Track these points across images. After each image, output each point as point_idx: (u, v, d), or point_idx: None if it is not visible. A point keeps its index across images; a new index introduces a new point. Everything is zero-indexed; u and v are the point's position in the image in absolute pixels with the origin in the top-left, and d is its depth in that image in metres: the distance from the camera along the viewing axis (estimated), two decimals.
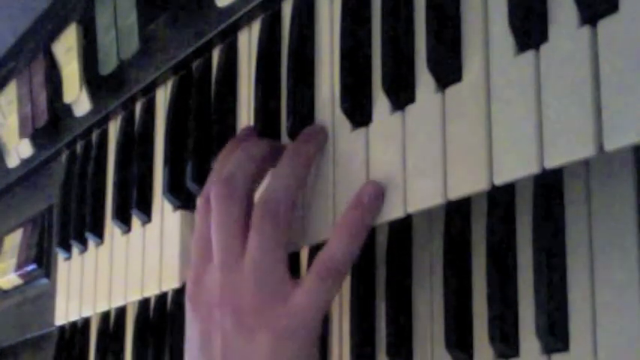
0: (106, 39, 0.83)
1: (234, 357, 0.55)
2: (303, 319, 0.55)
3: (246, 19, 0.69)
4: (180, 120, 0.76)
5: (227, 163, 0.61)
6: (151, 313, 0.80)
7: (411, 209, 0.53)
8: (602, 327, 0.46)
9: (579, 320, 0.47)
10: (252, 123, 0.67)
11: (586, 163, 0.47)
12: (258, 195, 0.59)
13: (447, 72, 0.51)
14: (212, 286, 0.58)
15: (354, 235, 0.55)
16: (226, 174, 0.59)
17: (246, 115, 0.69)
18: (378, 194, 0.54)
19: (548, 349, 0.48)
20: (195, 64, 0.76)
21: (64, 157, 0.98)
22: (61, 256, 0.96)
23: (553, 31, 0.46)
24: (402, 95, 0.54)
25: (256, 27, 0.69)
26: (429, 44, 0.52)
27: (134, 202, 0.81)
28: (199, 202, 0.62)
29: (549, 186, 0.49)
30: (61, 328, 0.96)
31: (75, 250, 0.93)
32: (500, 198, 0.51)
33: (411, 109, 0.54)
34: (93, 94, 0.89)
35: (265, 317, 0.55)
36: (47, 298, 0.99)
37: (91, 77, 0.88)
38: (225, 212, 0.58)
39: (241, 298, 0.56)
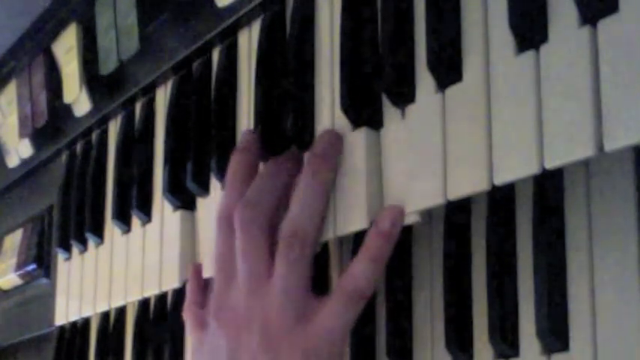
0: (106, 39, 0.83)
1: None
2: (328, 340, 0.56)
3: (246, 19, 0.69)
4: (180, 120, 0.76)
5: (251, 184, 0.61)
6: (151, 313, 0.80)
7: (411, 209, 0.53)
8: (602, 327, 0.46)
9: (579, 320, 0.47)
10: (252, 123, 0.67)
11: (586, 163, 0.47)
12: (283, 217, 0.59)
13: (447, 72, 0.51)
14: (238, 307, 0.59)
15: (376, 259, 0.55)
16: (251, 197, 0.60)
17: (246, 115, 0.69)
18: (398, 217, 0.54)
19: (548, 349, 0.48)
20: (195, 64, 0.76)
21: (64, 157, 0.98)
22: (61, 256, 0.96)
23: (553, 31, 0.46)
24: (402, 95, 0.54)
25: (256, 27, 0.69)
26: (429, 44, 0.52)
27: (134, 202, 0.81)
28: (219, 219, 0.62)
29: (549, 186, 0.49)
30: (61, 328, 0.96)
31: (75, 250, 0.93)
32: (500, 198, 0.51)
33: (411, 109, 0.54)
34: (93, 94, 0.89)
35: (291, 338, 0.56)
36: (47, 298, 0.99)
37: (91, 77, 0.88)
38: (250, 238, 0.59)
39: (268, 320, 0.57)
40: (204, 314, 0.63)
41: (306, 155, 0.60)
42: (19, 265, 1.04)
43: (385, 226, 0.55)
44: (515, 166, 0.46)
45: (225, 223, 0.62)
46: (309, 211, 0.58)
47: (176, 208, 0.76)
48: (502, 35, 0.48)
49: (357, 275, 0.56)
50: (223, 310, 0.60)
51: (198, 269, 0.70)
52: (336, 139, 0.58)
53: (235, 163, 0.64)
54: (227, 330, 0.59)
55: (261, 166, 0.65)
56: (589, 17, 0.44)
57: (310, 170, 0.59)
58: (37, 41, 0.98)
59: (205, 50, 0.74)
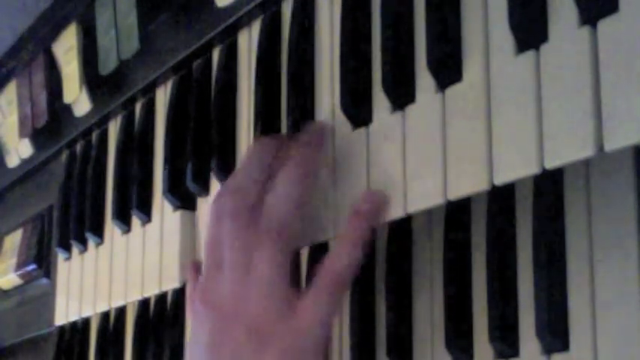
0: (106, 39, 0.83)
1: None
2: (310, 333, 0.55)
3: (246, 19, 0.69)
4: (180, 120, 0.76)
5: (238, 170, 0.60)
6: (151, 313, 0.80)
7: (411, 209, 0.53)
8: (602, 327, 0.46)
9: (579, 320, 0.47)
10: (252, 123, 0.67)
11: (586, 163, 0.47)
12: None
13: (447, 72, 0.51)
14: (225, 294, 0.58)
15: (355, 244, 0.55)
16: (237, 185, 0.59)
17: (246, 115, 0.69)
18: (377, 201, 0.54)
19: (548, 349, 0.48)
20: (195, 64, 0.76)
21: (64, 157, 0.98)
22: (61, 256, 0.96)
23: (553, 31, 0.46)
24: (402, 95, 0.54)
25: (256, 27, 0.69)
26: (429, 44, 0.52)
27: (134, 202, 0.81)
28: (213, 203, 0.61)
29: (549, 186, 0.49)
30: (61, 328, 0.96)
31: (75, 250, 0.93)
32: (500, 198, 0.51)
33: (411, 109, 0.54)
34: (93, 94, 0.89)
35: (273, 332, 0.55)
36: (47, 298, 0.99)
37: (91, 77, 0.88)
38: (236, 226, 0.58)
39: (251, 312, 0.56)
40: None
41: (290, 145, 0.59)
42: (19, 265, 1.04)
43: (364, 207, 0.54)
44: (515, 166, 0.46)
45: (218, 207, 0.60)
46: (287, 202, 0.57)
47: (176, 208, 0.76)
48: (502, 35, 0.48)
49: (336, 259, 0.55)
50: (210, 297, 0.58)
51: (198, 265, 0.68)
52: (321, 131, 0.58)
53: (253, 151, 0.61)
54: (212, 317, 0.58)
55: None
56: (589, 17, 0.44)
57: (295, 155, 0.58)
58: (37, 41, 0.98)
59: (205, 50, 0.74)
